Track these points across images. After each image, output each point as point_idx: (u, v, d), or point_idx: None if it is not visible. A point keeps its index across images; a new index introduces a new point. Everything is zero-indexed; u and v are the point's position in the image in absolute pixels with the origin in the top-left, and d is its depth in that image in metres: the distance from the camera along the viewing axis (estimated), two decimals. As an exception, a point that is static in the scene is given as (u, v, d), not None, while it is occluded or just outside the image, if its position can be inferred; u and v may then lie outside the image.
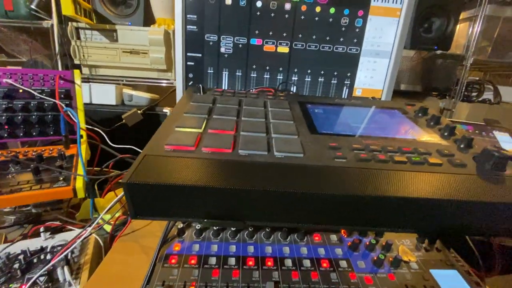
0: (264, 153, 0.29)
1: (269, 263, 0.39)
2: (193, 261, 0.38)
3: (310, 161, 0.29)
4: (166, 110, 0.95)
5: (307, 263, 0.39)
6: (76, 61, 1.03)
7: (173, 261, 0.38)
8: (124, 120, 0.87)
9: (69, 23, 0.99)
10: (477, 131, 0.81)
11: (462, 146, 0.35)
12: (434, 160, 0.30)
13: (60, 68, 1.03)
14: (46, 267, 0.44)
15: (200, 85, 0.45)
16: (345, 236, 0.45)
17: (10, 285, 0.43)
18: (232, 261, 0.39)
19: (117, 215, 0.55)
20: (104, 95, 0.93)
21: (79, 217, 0.66)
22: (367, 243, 0.43)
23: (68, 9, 0.85)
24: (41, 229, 0.54)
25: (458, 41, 1.23)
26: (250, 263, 0.39)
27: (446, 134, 0.37)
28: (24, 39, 1.11)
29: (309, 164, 0.28)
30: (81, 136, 0.67)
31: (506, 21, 1.11)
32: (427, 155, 0.31)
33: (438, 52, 1.11)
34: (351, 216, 0.27)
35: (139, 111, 0.90)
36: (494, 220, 0.27)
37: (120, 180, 0.63)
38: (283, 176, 0.26)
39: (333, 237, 0.45)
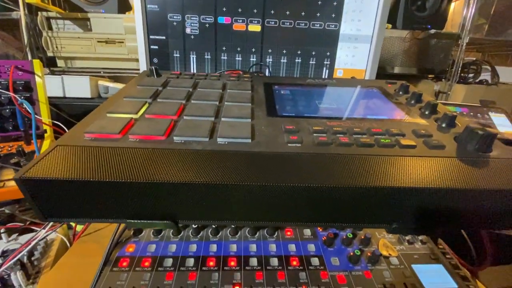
0: (204, 139, 0.25)
1: (232, 263, 0.35)
2: (146, 263, 0.35)
3: (257, 148, 0.24)
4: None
5: (274, 261, 0.35)
6: (50, 53, 0.98)
7: (124, 264, 0.35)
8: (99, 114, 0.82)
9: (39, 13, 0.93)
10: (472, 113, 0.76)
11: (443, 125, 0.30)
12: (407, 141, 0.25)
13: (30, 61, 0.98)
14: (-3, 272, 0.40)
15: (153, 67, 0.40)
16: (320, 230, 0.41)
17: (-38, 293, 0.39)
18: (190, 262, 0.35)
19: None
20: (78, 87, 0.88)
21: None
22: (344, 237, 0.39)
23: (32, -5, 0.79)
24: (2, 231, 0.50)
25: (454, 20, 1.16)
26: (211, 263, 0.35)
27: (426, 112, 0.33)
28: (-4, 32, 1.06)
29: (255, 150, 0.24)
30: (45, 131, 0.63)
31: (504, -4, 1.04)
32: (399, 136, 0.26)
33: (432, 31, 1.04)
34: (297, 212, 0.23)
35: (114, 104, 0.85)
36: (477, 210, 0.22)
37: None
38: (220, 165, 0.22)
39: (307, 232, 0.41)
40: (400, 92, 0.39)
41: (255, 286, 0.32)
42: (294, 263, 0.36)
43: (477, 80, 1.11)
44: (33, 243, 0.46)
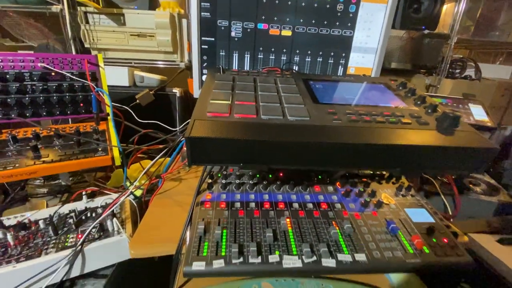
0: (280, 117, 0.39)
1: (281, 206, 0.51)
2: (222, 205, 0.50)
3: (314, 122, 0.39)
4: (176, 90, 1.03)
5: (310, 205, 0.51)
6: (86, 45, 1.09)
7: (207, 205, 0.50)
8: (138, 100, 0.95)
9: (78, 7, 1.03)
10: (454, 104, 0.93)
11: (429, 111, 0.45)
12: (406, 120, 0.41)
13: (73, 51, 1.09)
14: (99, 219, 0.55)
15: (220, 66, 0.54)
16: (339, 187, 0.57)
17: (68, 236, 0.53)
18: (252, 205, 0.50)
19: (144, 182, 0.65)
20: (118, 77, 1.00)
21: (110, 185, 0.76)
22: (357, 191, 0.55)
23: (81, -6, 0.90)
24: (83, 193, 0.64)
25: (445, 21, 1.31)
26: (267, 206, 0.50)
27: (418, 102, 0.48)
28: (32, 23, 1.15)
29: (314, 124, 0.38)
30: (108, 114, 0.76)
31: (488, 2, 1.19)
32: (401, 117, 0.42)
33: (426, 31, 1.19)
34: (345, 159, 0.38)
35: (151, 92, 0.98)
36: (445, 159, 0.38)
37: (139, 154, 0.73)
38: (295, 132, 0.36)
39: (330, 188, 0.56)
40: (400, 87, 0.54)
41: (299, 218, 0.48)
42: (324, 206, 0.51)
43: (462, 75, 1.27)
44: (120, 200, 0.60)
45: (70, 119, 0.74)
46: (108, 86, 1.01)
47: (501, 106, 1.26)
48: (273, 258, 0.40)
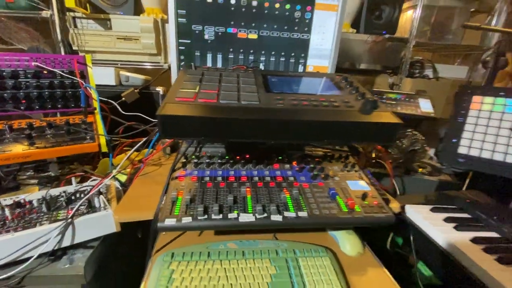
0: (235, 101, 0.50)
1: (244, 179, 0.61)
2: (194, 179, 0.60)
3: (262, 105, 0.49)
4: (159, 89, 1.12)
5: (268, 178, 0.61)
6: (75, 47, 1.17)
7: (181, 179, 0.59)
8: (123, 98, 1.03)
9: (67, 13, 1.11)
10: (407, 99, 1.06)
11: (359, 98, 0.57)
12: (336, 104, 0.52)
13: (62, 54, 1.16)
14: (87, 196, 0.63)
15: (193, 63, 0.64)
16: (295, 165, 0.67)
17: (59, 212, 0.61)
18: (219, 178, 0.60)
19: (127, 170, 0.74)
20: (105, 76, 1.09)
21: (97, 173, 0.85)
22: (308, 167, 0.66)
23: (70, 2, 0.98)
24: (73, 177, 0.73)
25: (407, 26, 1.45)
26: (231, 179, 0.60)
27: (353, 92, 0.59)
28: (22, 27, 1.22)
29: (261, 107, 0.49)
30: (95, 108, 0.84)
31: (441, 9, 1.34)
32: (333, 102, 0.53)
33: (387, 36, 1.33)
34: (283, 133, 0.49)
35: (136, 90, 1.07)
36: (363, 132, 0.49)
37: (125, 147, 0.82)
38: (245, 112, 0.47)
39: (287, 166, 0.67)
40: (343, 81, 0.65)
41: (257, 188, 0.58)
42: (279, 179, 0.62)
43: (421, 75, 1.41)
44: (104, 181, 0.68)
45: (60, 113, 0.82)
46: (96, 85, 1.10)
47: (456, 102, 1.41)
48: (232, 215, 0.50)
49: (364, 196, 0.58)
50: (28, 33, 1.21)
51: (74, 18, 1.14)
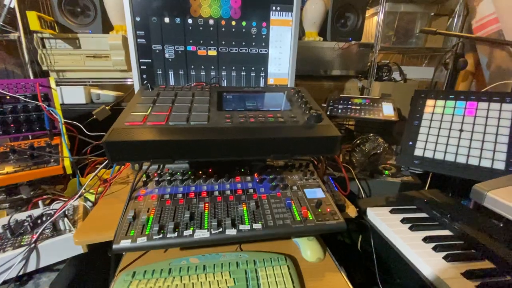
0: (184, 122, 0.52)
1: (204, 194, 0.63)
2: (153, 198, 0.61)
3: (210, 125, 0.52)
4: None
5: (228, 192, 0.63)
6: (44, 67, 1.17)
7: (140, 199, 0.61)
8: (94, 116, 1.04)
9: (34, 34, 1.12)
10: (371, 103, 1.10)
11: (306, 112, 0.60)
12: (281, 119, 0.55)
13: (31, 75, 1.16)
14: (51, 219, 0.64)
15: (148, 84, 0.66)
16: (256, 176, 0.70)
17: (24, 237, 0.62)
18: (179, 196, 0.62)
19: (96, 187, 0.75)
20: (75, 95, 1.10)
21: (67, 194, 0.85)
22: (268, 178, 0.68)
23: (35, 25, 0.99)
24: (40, 200, 0.73)
25: (373, 32, 1.51)
26: (191, 195, 0.62)
27: (302, 106, 0.62)
28: (-10, 50, 1.21)
29: (209, 126, 0.51)
30: (61, 130, 0.85)
31: (402, 15, 1.40)
32: (280, 118, 0.56)
33: (353, 42, 1.38)
34: (229, 151, 0.51)
35: (107, 107, 1.08)
36: (305, 146, 0.52)
37: (97, 165, 0.83)
38: (192, 133, 0.49)
39: (248, 178, 0.69)
40: (295, 95, 0.68)
41: (216, 202, 0.60)
42: (239, 192, 0.64)
43: (390, 78, 1.47)
44: (69, 203, 0.69)
45: (24, 137, 0.82)
46: (65, 104, 1.10)
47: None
48: (187, 232, 0.52)
49: (318, 204, 0.60)
50: (-3, 56, 1.21)
51: (42, 38, 1.14)
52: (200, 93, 0.65)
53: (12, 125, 0.78)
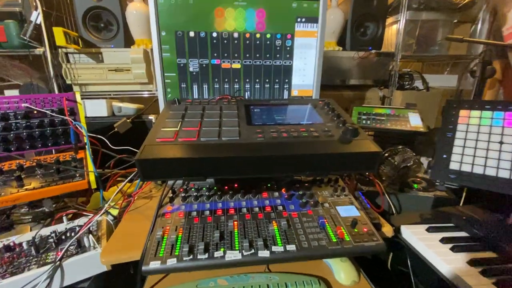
0: (216, 138, 0.50)
1: (231, 211, 0.60)
2: (181, 215, 0.59)
3: (242, 141, 0.50)
4: (151, 117, 1.14)
5: (256, 209, 0.61)
6: (68, 81, 1.20)
7: (167, 216, 0.59)
8: (116, 129, 1.05)
9: (59, 49, 1.15)
10: (396, 114, 1.06)
11: (340, 125, 0.57)
12: (315, 134, 0.52)
13: (55, 89, 1.19)
14: (76, 236, 0.63)
15: (176, 98, 0.65)
16: (284, 192, 0.67)
17: (48, 254, 0.61)
18: (207, 213, 0.60)
19: (119, 202, 0.74)
20: (97, 108, 1.11)
21: (90, 208, 0.85)
22: (298, 194, 0.65)
23: (61, 40, 1.02)
24: (64, 215, 0.72)
25: (392, 40, 1.48)
26: (219, 212, 0.60)
27: (334, 119, 0.60)
28: (17, 65, 1.26)
29: (241, 142, 0.49)
30: (86, 143, 0.85)
31: (424, 23, 1.37)
32: (313, 132, 0.53)
33: (374, 51, 1.35)
34: (263, 168, 0.49)
35: (128, 120, 1.09)
36: (343, 163, 0.49)
37: (119, 178, 0.82)
38: (225, 149, 0.47)
39: (276, 194, 0.67)
40: (324, 107, 0.66)
41: (245, 220, 0.57)
42: (268, 209, 0.61)
43: (411, 87, 1.43)
44: (95, 219, 0.68)
45: (52, 150, 0.83)
46: (88, 117, 1.11)
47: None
48: (218, 253, 0.50)
49: (354, 223, 0.57)
50: (23, 70, 1.25)
51: (66, 53, 1.17)
52: (228, 106, 0.64)
53: (38, 139, 0.79)
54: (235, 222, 0.57)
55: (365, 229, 0.56)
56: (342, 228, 0.55)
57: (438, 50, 1.43)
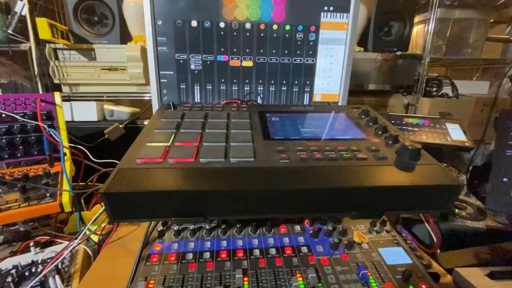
0: (221, 159, 0.35)
1: (240, 254, 0.45)
2: (172, 258, 0.44)
3: (259, 164, 0.35)
4: (147, 122, 1.00)
5: (272, 251, 0.45)
6: (56, 81, 1.06)
7: (154, 259, 0.44)
8: (106, 135, 0.91)
9: (47, 44, 1.02)
10: (431, 124, 0.90)
11: (389, 142, 0.42)
12: (361, 155, 0.37)
13: (40, 88, 1.06)
14: (38, 277, 0.48)
15: (171, 102, 0.50)
16: (308, 225, 0.52)
17: (4, 298, 0.46)
18: (207, 255, 0.44)
19: (103, 225, 0.59)
20: (86, 112, 0.97)
21: (68, 231, 0.70)
22: (326, 230, 0.50)
23: (45, 33, 0.89)
24: (31, 244, 0.58)
25: (418, 41, 1.33)
26: (223, 255, 0.44)
27: (379, 132, 0.45)
28: (1, 61, 1.13)
29: (257, 166, 0.34)
30: (65, 154, 0.71)
31: (456, 22, 1.22)
32: (356, 152, 0.38)
33: (398, 53, 1.21)
34: (291, 206, 0.34)
35: (120, 125, 0.94)
36: (406, 199, 0.34)
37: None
38: (235, 177, 0.32)
39: (297, 227, 0.51)
40: (362, 116, 0.51)
41: (258, 269, 0.42)
42: (288, 251, 0.46)
43: (439, 94, 1.27)
44: (65, 252, 0.54)
45: (18, 163, 0.69)
46: (76, 122, 0.98)
47: (482, 122, 1.25)
48: (222, 324, 0.34)
49: (407, 275, 0.41)
50: (7, 67, 1.12)
51: (55, 49, 1.04)
52: (237, 114, 0.49)
53: (6, 149, 0.65)
54: (245, 277, 0.41)
55: (424, 286, 0.41)
56: (392, 283, 0.40)
57: (470, 53, 1.28)
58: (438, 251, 0.69)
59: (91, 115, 0.98)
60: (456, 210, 0.80)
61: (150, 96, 1.13)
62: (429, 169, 0.36)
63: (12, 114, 0.64)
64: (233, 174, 0.33)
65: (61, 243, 0.61)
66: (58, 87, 1.10)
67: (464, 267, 0.55)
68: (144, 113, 1.06)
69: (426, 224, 0.70)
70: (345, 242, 0.47)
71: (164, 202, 0.31)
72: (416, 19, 1.32)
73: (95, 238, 0.61)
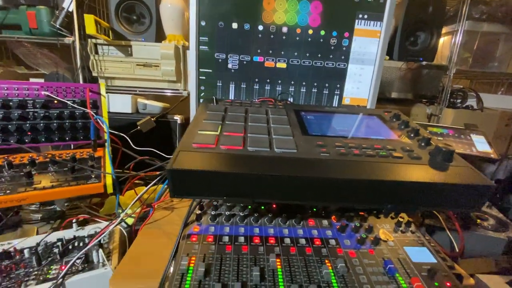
0: (267, 149, 0.39)
1: (272, 241, 0.48)
2: (210, 239, 0.48)
3: (301, 155, 0.38)
4: (177, 117, 1.05)
5: (302, 241, 0.48)
6: (94, 74, 1.14)
7: (194, 239, 0.48)
8: (139, 127, 0.96)
9: (89, 40, 1.10)
10: (456, 134, 0.91)
11: (422, 144, 0.44)
12: (397, 154, 0.40)
13: (81, 80, 1.14)
14: (84, 250, 0.53)
15: (214, 97, 0.55)
16: (335, 221, 0.54)
17: (51, 267, 0.51)
18: (241, 239, 0.48)
19: (137, 210, 0.64)
20: (121, 104, 1.03)
21: (103, 212, 0.75)
22: (353, 226, 0.52)
23: (91, 29, 0.96)
24: (73, 221, 0.63)
25: (443, 53, 1.33)
26: (256, 240, 0.48)
27: (412, 135, 0.47)
28: (45, 53, 1.22)
29: (301, 157, 0.38)
30: (106, 140, 0.77)
31: (484, 35, 1.21)
32: (392, 151, 0.41)
33: (424, 63, 1.21)
34: (331, 195, 0.37)
35: (152, 119, 1.00)
36: (439, 197, 0.36)
37: (136, 181, 0.72)
38: (281, 165, 0.36)
39: (325, 222, 0.54)
40: (394, 119, 0.53)
41: (290, 256, 0.45)
42: (317, 242, 0.48)
43: (464, 105, 1.27)
44: (108, 229, 0.58)
45: (70, 145, 0.75)
46: (111, 113, 1.04)
47: (506, 136, 1.24)
48: (259, 300, 0.38)
49: (432, 273, 0.43)
50: (51, 59, 1.21)
51: (96, 44, 1.12)
52: (275, 111, 0.53)
53: (56, 132, 0.71)
54: (278, 259, 0.44)
55: (448, 283, 0.43)
56: (419, 280, 0.42)
57: (497, 66, 1.27)
58: (459, 258, 0.70)
59: (126, 107, 1.04)
60: (478, 220, 0.80)
61: (179, 93, 1.19)
62: (462, 170, 0.38)
63: (64, 100, 0.70)
64: (279, 162, 0.36)
65: (99, 222, 0.66)
66: (95, 80, 1.17)
67: (485, 274, 0.56)
68: (174, 108, 1.12)
69: (447, 231, 0.71)
70: (371, 238, 0.50)
71: (218, 182, 0.35)
72: (443, 30, 1.32)
73: (130, 221, 0.66)
